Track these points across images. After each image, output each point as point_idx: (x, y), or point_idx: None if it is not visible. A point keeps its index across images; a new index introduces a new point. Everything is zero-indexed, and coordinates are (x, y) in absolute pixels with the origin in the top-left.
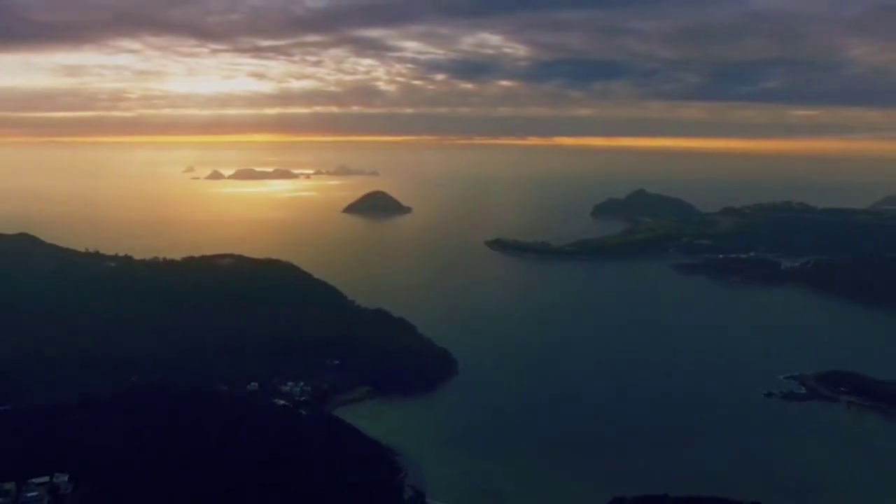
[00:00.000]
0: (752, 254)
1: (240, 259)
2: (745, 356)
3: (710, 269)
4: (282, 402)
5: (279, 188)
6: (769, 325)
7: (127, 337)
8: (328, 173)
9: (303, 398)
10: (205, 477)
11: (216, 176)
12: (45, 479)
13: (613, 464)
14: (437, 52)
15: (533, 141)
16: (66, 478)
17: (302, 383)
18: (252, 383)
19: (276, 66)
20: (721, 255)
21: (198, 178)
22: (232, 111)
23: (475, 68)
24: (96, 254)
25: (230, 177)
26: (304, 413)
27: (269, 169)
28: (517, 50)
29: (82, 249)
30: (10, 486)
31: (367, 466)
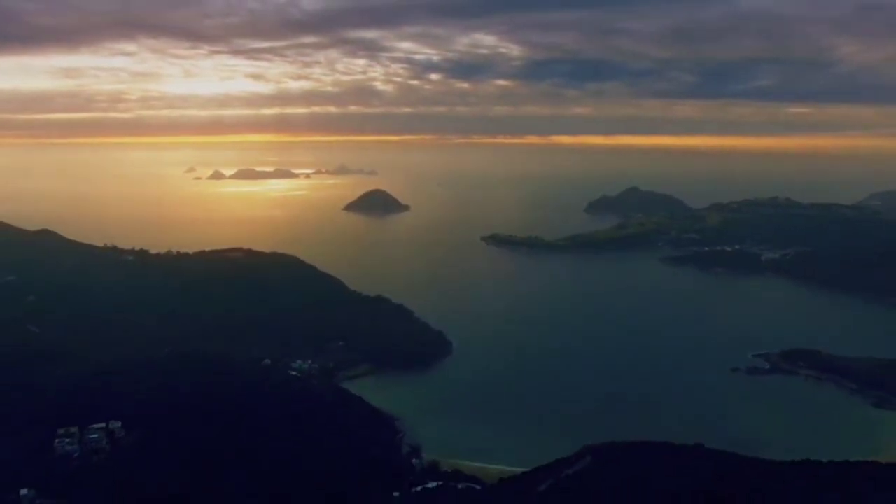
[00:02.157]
0: (737, 247)
1: (248, 253)
2: (719, 337)
3: (696, 262)
4: (294, 372)
5: (280, 187)
6: (745, 310)
7: (148, 321)
8: (327, 172)
9: (311, 374)
10: (234, 427)
11: (217, 176)
12: (103, 424)
13: (586, 423)
14: (433, 53)
15: (531, 140)
16: (119, 424)
17: (310, 361)
18: (265, 360)
19: (274, 68)
20: (707, 249)
21: (199, 179)
22: (231, 112)
23: (471, 68)
24: (114, 248)
25: (231, 177)
26: (315, 383)
27: (270, 169)
28: (511, 50)
29: (100, 245)
30: (74, 429)
31: (370, 426)
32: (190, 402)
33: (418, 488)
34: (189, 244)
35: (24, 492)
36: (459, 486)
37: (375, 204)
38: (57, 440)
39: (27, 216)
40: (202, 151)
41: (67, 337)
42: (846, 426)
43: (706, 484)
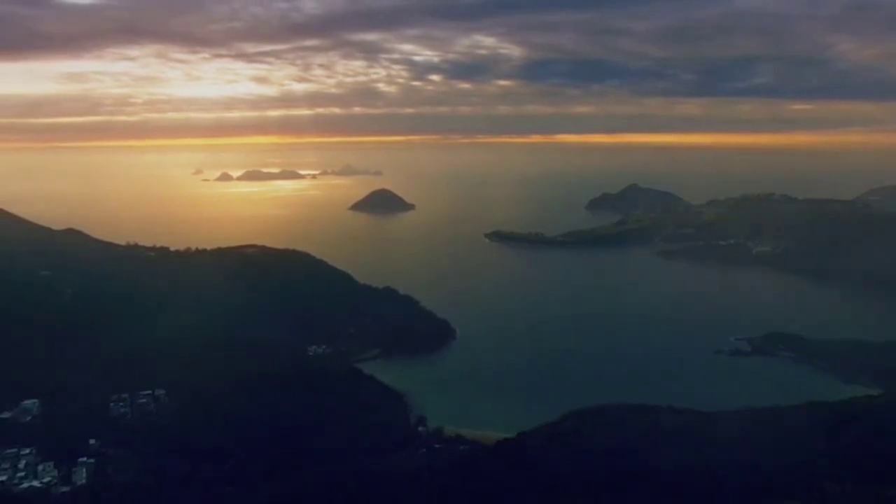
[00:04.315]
0: (731, 241)
1: (262, 249)
2: (705, 323)
3: (689, 255)
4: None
5: (287, 188)
6: (731, 298)
7: (175, 310)
8: (333, 173)
9: (326, 357)
10: (262, 395)
11: (225, 177)
12: (149, 391)
13: (577, 396)
14: (433, 54)
15: (535, 139)
16: (163, 391)
17: (324, 346)
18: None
19: (278, 71)
20: (701, 243)
21: (207, 180)
22: (236, 114)
23: (472, 69)
24: (136, 246)
25: (238, 178)
26: (330, 363)
27: (276, 170)
28: (511, 51)
29: (122, 243)
30: (125, 395)
31: (381, 399)
32: (222, 375)
33: (424, 450)
34: (205, 242)
35: (92, 441)
36: (461, 447)
37: (381, 203)
38: (112, 403)
39: (49, 216)
40: (209, 154)
41: (110, 320)
42: (814, 397)
43: (667, 426)
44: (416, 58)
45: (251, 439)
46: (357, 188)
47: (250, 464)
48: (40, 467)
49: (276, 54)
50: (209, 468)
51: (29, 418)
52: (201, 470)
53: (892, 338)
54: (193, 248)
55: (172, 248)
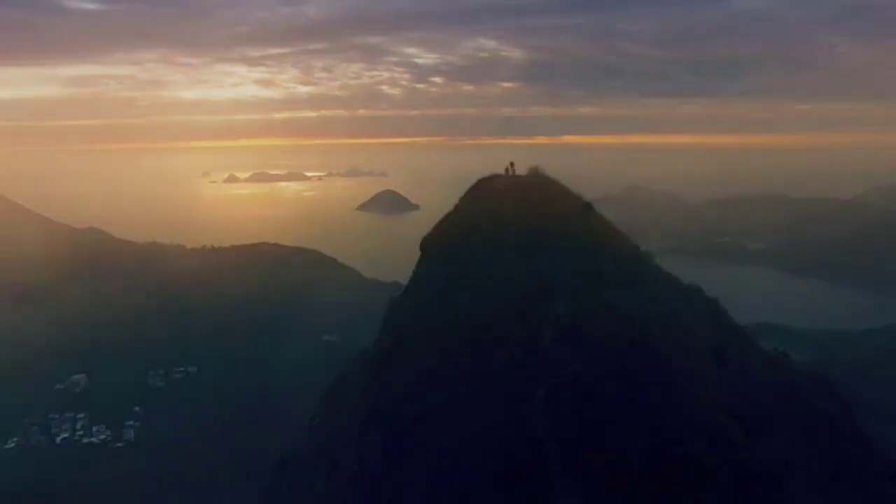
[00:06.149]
0: (727, 238)
1: (274, 246)
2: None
3: (686, 253)
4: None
5: (293, 189)
6: (723, 293)
7: (193, 301)
8: (339, 174)
9: (336, 344)
10: (280, 372)
11: (233, 179)
12: (182, 368)
13: None
14: (436, 57)
15: (540, 140)
16: (195, 368)
17: (335, 335)
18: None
19: (283, 74)
20: (699, 241)
21: (215, 182)
22: (242, 117)
23: (475, 71)
24: (154, 243)
25: (246, 180)
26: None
27: (283, 171)
28: (514, 53)
29: (141, 241)
30: (161, 371)
31: None
32: (245, 356)
33: None
34: (218, 240)
35: (136, 408)
36: None
37: (386, 204)
38: (149, 378)
39: (70, 216)
40: (216, 156)
41: (139, 309)
42: None
43: None
44: (419, 60)
45: (272, 406)
46: (362, 189)
47: (274, 430)
48: (94, 428)
49: (280, 58)
50: (243, 433)
51: (79, 389)
52: (233, 434)
53: (870, 326)
54: (209, 245)
55: (189, 246)
